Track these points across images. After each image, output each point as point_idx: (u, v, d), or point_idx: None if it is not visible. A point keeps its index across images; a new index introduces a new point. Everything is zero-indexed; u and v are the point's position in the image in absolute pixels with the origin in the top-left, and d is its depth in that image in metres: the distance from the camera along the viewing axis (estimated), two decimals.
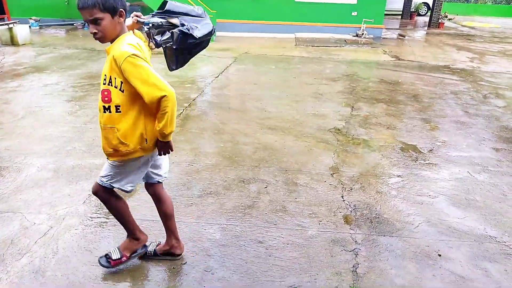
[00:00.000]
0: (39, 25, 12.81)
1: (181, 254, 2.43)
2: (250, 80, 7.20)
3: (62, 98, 5.73)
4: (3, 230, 2.67)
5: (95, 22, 1.82)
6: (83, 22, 13.06)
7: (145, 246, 2.38)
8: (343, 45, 11.38)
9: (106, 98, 1.91)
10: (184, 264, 2.40)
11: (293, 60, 9.15)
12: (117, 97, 1.90)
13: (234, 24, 12.77)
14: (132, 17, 2.07)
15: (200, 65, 8.17)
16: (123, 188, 2.12)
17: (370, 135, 4.59)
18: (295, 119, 5.09)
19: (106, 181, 2.09)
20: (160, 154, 2.08)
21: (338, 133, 4.62)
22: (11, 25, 9.89)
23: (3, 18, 10.75)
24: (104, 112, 1.94)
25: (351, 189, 3.35)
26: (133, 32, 2.07)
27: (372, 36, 12.94)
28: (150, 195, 2.34)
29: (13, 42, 9.91)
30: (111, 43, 1.93)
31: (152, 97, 1.84)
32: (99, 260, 2.29)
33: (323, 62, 8.95)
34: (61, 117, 4.91)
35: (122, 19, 1.91)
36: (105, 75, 1.92)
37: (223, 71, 7.71)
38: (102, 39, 1.88)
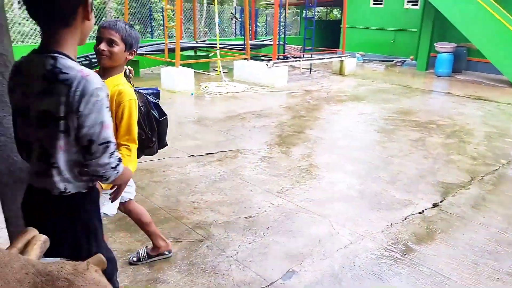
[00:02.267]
0: (363, 59, 14.40)
1: (171, 251, 2.70)
2: None
3: (373, 127, 6.22)
4: (313, 228, 3.16)
5: (111, 43, 1.92)
6: (403, 59, 13.73)
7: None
8: None
9: None
10: None
11: None
12: None
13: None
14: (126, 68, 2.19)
15: (503, 118, 6.97)
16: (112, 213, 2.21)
17: None
18: None
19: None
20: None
21: None
22: (343, 58, 11.60)
23: (338, 52, 12.72)
24: None
25: None
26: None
27: None
28: (125, 213, 2.47)
29: (341, 72, 11.59)
30: (104, 75, 1.94)
31: (123, 139, 1.91)
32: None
33: None
34: (370, 145, 5.34)
35: (128, 58, 2.02)
36: None
37: None
38: (105, 61, 1.95)
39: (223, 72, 9.99)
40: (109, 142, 1.29)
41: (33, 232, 0.89)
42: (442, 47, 11.28)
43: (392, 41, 14.44)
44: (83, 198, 1.37)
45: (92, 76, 1.22)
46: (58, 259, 0.86)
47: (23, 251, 0.87)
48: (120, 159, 1.36)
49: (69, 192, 1.32)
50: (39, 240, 0.86)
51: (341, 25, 14.38)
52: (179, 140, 5.26)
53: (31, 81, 1.22)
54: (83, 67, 1.22)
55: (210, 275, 2.55)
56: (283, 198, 3.68)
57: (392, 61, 14.21)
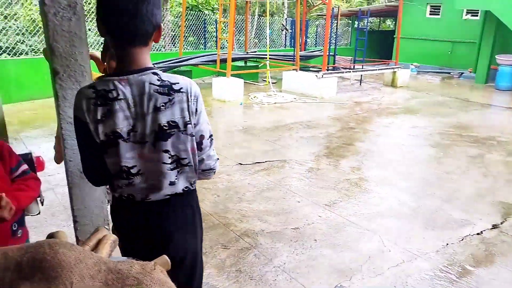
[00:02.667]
0: (417, 71, 13.89)
1: None
2: None
3: (427, 142, 5.96)
4: (362, 244, 3.08)
5: None
6: (460, 71, 13.08)
7: None
8: None
9: None
10: None
11: None
12: None
13: None
14: None
15: None
16: None
17: None
18: None
19: None
20: None
21: None
22: (395, 69, 11.26)
23: (390, 63, 12.38)
24: None
25: None
26: None
27: None
28: None
29: (393, 84, 11.26)
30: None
31: None
32: None
33: None
34: (424, 160, 5.12)
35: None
36: None
37: None
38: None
39: (272, 83, 10.06)
40: (212, 135, 1.40)
41: (104, 231, 0.95)
42: (504, 60, 10.63)
43: (449, 53, 13.82)
44: (195, 193, 1.48)
45: (190, 80, 1.33)
46: (125, 258, 0.91)
47: (94, 249, 0.93)
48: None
49: (189, 188, 1.42)
50: (110, 240, 0.92)
51: (394, 36, 14.05)
52: (228, 148, 5.36)
53: (141, 101, 1.23)
54: (177, 75, 1.32)
55: (257, 283, 2.56)
56: (331, 211, 3.62)
57: (449, 73, 13.59)
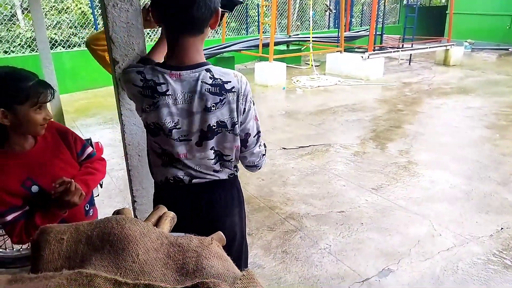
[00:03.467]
0: (472, 48, 13.06)
1: None
2: None
3: (482, 123, 5.64)
4: (411, 229, 3.02)
5: None
6: None
7: None
8: None
9: None
10: None
11: None
12: None
13: None
14: None
15: None
16: None
17: None
18: None
19: None
20: None
21: None
22: (448, 47, 10.66)
23: (442, 41, 11.72)
24: None
25: None
26: None
27: None
28: None
29: (445, 62, 10.68)
30: None
31: None
32: None
33: None
34: (479, 142, 4.86)
35: None
36: None
37: None
38: None
39: (315, 66, 9.90)
40: (259, 132, 1.38)
41: (163, 209, 1.02)
42: None
43: (507, 28, 12.84)
44: (237, 177, 1.50)
45: (241, 75, 1.27)
46: (183, 234, 0.98)
47: (155, 225, 1.01)
48: (265, 145, 1.48)
49: (234, 174, 1.44)
50: (169, 216, 0.99)
51: (447, 11, 13.26)
52: (271, 133, 5.39)
53: (191, 99, 1.20)
54: (229, 69, 1.27)
55: (303, 264, 2.61)
56: (378, 194, 3.56)
57: (507, 49, 12.65)
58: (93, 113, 6.68)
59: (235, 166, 1.43)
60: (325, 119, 6.04)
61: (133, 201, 1.50)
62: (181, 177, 1.34)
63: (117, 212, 1.02)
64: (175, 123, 1.23)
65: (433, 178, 3.86)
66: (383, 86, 8.37)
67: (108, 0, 1.15)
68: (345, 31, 10.70)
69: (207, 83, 1.19)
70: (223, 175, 1.38)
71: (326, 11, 14.88)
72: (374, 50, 9.58)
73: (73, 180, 1.34)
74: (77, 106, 7.24)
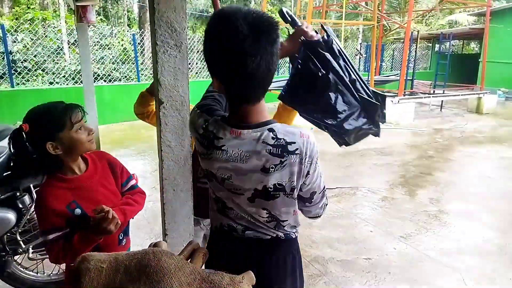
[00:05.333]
0: (506, 97, 12.83)
1: None
2: None
3: None
4: (441, 281, 2.90)
5: None
6: None
7: None
8: None
9: None
10: None
11: None
12: None
13: None
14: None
15: None
16: None
17: None
18: None
19: None
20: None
21: None
22: (481, 95, 10.52)
23: (475, 88, 11.61)
24: None
25: None
26: None
27: None
28: None
29: (478, 110, 10.52)
30: None
31: None
32: None
33: None
34: None
35: None
36: None
37: None
38: None
39: None
40: (324, 187, 1.29)
41: (196, 244, 1.07)
42: None
43: None
44: (296, 240, 1.38)
45: (309, 135, 1.18)
46: (215, 270, 1.02)
47: (188, 260, 1.05)
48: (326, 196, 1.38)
49: (290, 235, 1.32)
50: (202, 252, 1.03)
51: (480, 59, 13.21)
52: None
53: (248, 158, 1.14)
54: (296, 127, 1.20)
55: None
56: (407, 243, 3.47)
57: None
58: (127, 145, 6.94)
59: (294, 227, 1.31)
60: (353, 161, 6.01)
61: (164, 234, 1.55)
62: (235, 226, 1.28)
63: (154, 245, 1.07)
64: (227, 176, 1.19)
65: (464, 229, 3.73)
66: (413, 132, 8.29)
67: (160, 47, 1.26)
68: (375, 75, 10.81)
69: (268, 144, 1.12)
70: (279, 233, 1.28)
71: (356, 55, 15.13)
72: (404, 95, 9.59)
73: (111, 209, 1.42)
74: (113, 137, 7.55)
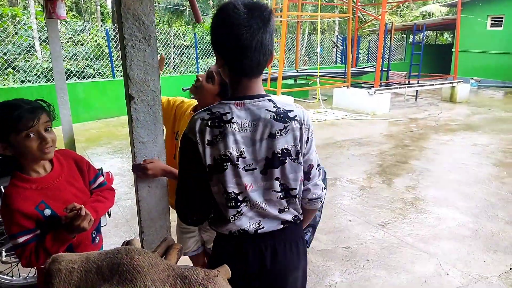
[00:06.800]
0: (478, 85, 13.20)
1: None
2: None
3: (489, 160, 5.63)
4: (418, 266, 2.97)
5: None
6: None
7: None
8: None
9: None
10: None
11: None
12: None
13: None
14: None
15: None
16: None
17: None
18: None
19: None
20: None
21: None
22: (454, 84, 10.79)
23: (448, 78, 11.88)
24: None
25: None
26: None
27: None
28: None
29: (451, 99, 10.79)
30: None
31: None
32: None
33: None
34: (486, 180, 4.84)
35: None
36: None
37: None
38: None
39: (322, 100, 10.05)
40: (320, 164, 1.40)
41: (171, 240, 1.05)
42: None
43: None
44: (301, 224, 1.44)
45: (301, 106, 1.31)
46: (190, 265, 1.01)
47: (163, 256, 1.04)
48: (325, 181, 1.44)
49: (299, 218, 1.38)
50: (176, 248, 1.02)
51: (452, 49, 13.53)
52: None
53: (255, 126, 1.23)
54: (289, 101, 1.32)
55: None
56: (385, 231, 3.54)
57: None
58: (104, 142, 6.80)
59: (300, 210, 1.39)
60: (331, 152, 6.08)
61: (141, 232, 1.53)
62: (246, 228, 1.30)
63: (126, 243, 1.05)
64: (240, 152, 1.23)
65: (440, 215, 3.83)
66: (390, 121, 8.44)
67: (128, 40, 1.24)
68: (352, 67, 10.93)
69: (271, 111, 1.24)
70: (288, 216, 1.34)
71: (333, 47, 15.25)
72: (380, 86, 9.73)
73: (83, 206, 1.39)
74: (88, 135, 7.38)
